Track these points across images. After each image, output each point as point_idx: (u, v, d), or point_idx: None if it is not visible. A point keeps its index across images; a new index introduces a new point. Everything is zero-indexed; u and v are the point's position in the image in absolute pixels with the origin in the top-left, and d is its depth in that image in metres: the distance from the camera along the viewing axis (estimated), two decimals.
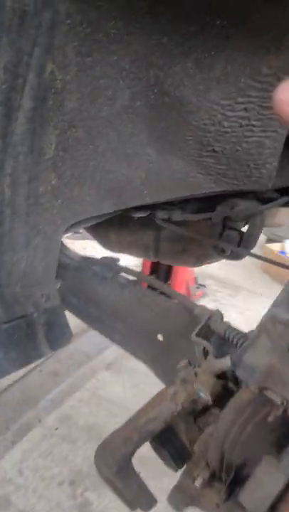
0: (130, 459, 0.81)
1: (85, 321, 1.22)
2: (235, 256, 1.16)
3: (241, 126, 0.90)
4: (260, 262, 5.22)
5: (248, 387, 0.67)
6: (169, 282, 4.54)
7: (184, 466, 0.81)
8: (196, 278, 4.94)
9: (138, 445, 0.81)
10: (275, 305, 0.70)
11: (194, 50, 0.88)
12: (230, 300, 5.00)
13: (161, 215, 1.17)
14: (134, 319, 1.15)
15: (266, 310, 0.70)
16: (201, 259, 1.43)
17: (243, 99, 0.88)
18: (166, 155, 1.02)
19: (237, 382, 0.92)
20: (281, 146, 0.89)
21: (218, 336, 1.00)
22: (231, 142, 0.93)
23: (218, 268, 5.24)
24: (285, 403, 0.60)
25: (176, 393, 0.85)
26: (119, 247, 1.43)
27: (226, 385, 0.89)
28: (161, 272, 4.53)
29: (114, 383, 3.56)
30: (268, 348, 0.61)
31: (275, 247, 6.01)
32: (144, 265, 4.50)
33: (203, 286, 5.05)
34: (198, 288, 4.90)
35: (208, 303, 4.95)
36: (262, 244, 6.03)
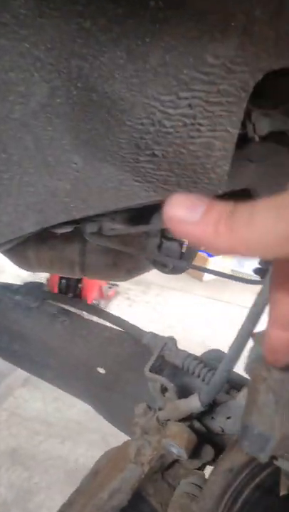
0: None
1: (9, 361, 1.03)
2: (176, 270, 1.04)
3: (186, 125, 0.77)
4: None
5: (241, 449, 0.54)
6: (80, 285, 4.36)
7: None
8: None
9: None
10: (256, 345, 0.58)
11: (124, 36, 0.73)
12: (143, 297, 4.96)
13: (89, 228, 1.01)
14: (69, 353, 0.99)
15: (250, 352, 0.58)
16: (132, 273, 1.29)
17: (187, 93, 0.75)
18: (95, 162, 0.87)
19: (202, 421, 0.80)
20: (233, 146, 0.78)
21: (173, 365, 0.87)
22: (174, 144, 0.80)
23: None
24: None
25: (140, 451, 0.71)
26: (40, 266, 1.24)
27: (193, 427, 0.77)
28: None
29: (33, 399, 3.34)
30: (273, 404, 0.48)
31: None
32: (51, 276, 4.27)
33: (116, 285, 4.94)
34: (110, 288, 4.78)
35: (121, 302, 4.87)
36: None
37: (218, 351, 0.99)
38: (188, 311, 4.80)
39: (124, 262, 1.25)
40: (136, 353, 0.93)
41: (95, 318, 0.95)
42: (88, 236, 1.00)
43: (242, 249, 0.34)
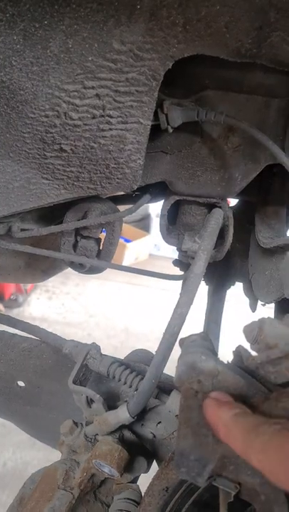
0: None
1: None
2: (94, 269, 0.98)
3: (94, 117, 0.71)
4: None
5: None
6: None
7: None
8: None
9: None
10: (184, 353, 0.55)
11: (20, 18, 0.65)
12: (62, 288, 4.85)
13: None
14: None
15: (178, 362, 0.54)
16: (48, 273, 1.21)
17: (94, 82, 0.69)
18: None
19: (133, 429, 0.77)
20: (146, 139, 0.73)
21: (96, 372, 0.83)
22: (84, 138, 0.73)
23: None
24: (238, 487, 0.46)
25: (69, 474, 0.66)
26: None
27: (123, 437, 0.73)
28: None
29: None
30: (207, 422, 0.45)
31: None
32: None
33: None
34: (38, 283, 4.61)
35: (40, 294, 4.72)
36: None
37: (142, 351, 0.95)
38: (109, 299, 4.76)
39: (40, 263, 1.17)
40: (57, 363, 0.87)
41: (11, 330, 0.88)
42: None
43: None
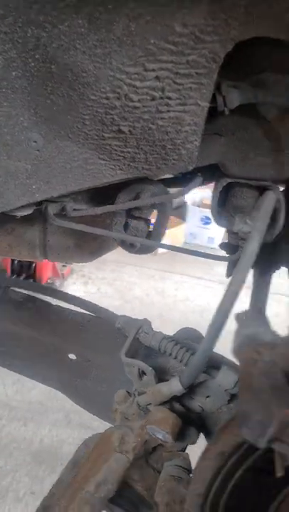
0: None
1: None
2: (144, 249, 1.01)
3: (154, 99, 0.74)
4: None
5: (231, 429, 0.54)
6: (33, 265, 4.26)
7: None
8: None
9: None
10: (241, 326, 0.57)
11: (86, 3, 0.68)
12: (98, 273, 4.92)
13: (52, 209, 0.96)
14: (37, 341, 0.95)
15: (235, 335, 0.57)
16: (96, 254, 1.25)
17: (154, 65, 0.71)
18: (56, 140, 0.81)
19: (182, 402, 0.79)
20: (203, 121, 0.75)
21: (145, 347, 0.86)
22: (142, 120, 0.76)
23: None
24: None
25: (124, 438, 0.69)
26: None
27: (173, 408, 0.76)
28: None
29: None
30: (268, 389, 0.48)
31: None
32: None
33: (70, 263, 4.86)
34: (64, 266, 4.70)
35: (76, 279, 4.81)
36: None
37: (190, 330, 0.98)
38: (144, 285, 4.81)
39: (88, 244, 1.21)
40: (108, 338, 0.90)
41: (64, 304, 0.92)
42: (51, 218, 0.95)
43: None
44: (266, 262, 1.22)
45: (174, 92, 0.73)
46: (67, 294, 0.94)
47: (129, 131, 0.78)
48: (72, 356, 0.96)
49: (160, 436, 0.66)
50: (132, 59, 0.71)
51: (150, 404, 0.74)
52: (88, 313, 0.92)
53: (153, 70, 0.72)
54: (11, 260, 4.18)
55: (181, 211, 5.74)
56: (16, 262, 4.19)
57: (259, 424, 0.45)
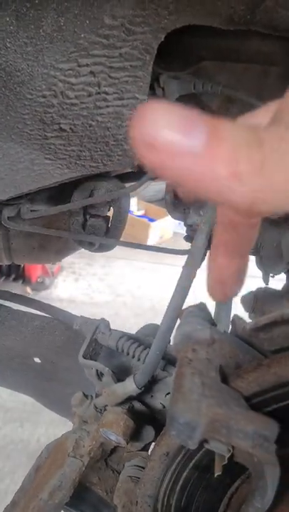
0: None
1: None
2: (104, 247, 1.00)
3: (91, 95, 0.72)
4: None
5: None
6: (22, 265, 4.24)
7: None
8: None
9: None
10: (182, 324, 0.56)
11: None
12: (88, 269, 4.90)
13: (7, 212, 0.95)
14: (1, 346, 0.94)
15: (176, 331, 0.55)
16: (62, 253, 1.24)
17: (88, 60, 0.69)
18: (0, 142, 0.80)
19: (142, 400, 0.79)
20: None
21: (108, 347, 0.85)
22: (82, 116, 0.74)
23: None
24: (231, 449, 0.47)
25: (79, 443, 0.69)
26: None
27: (133, 408, 0.75)
28: None
29: None
30: (199, 388, 0.47)
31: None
32: None
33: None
34: (53, 264, 4.68)
35: (67, 276, 4.79)
36: None
37: (153, 326, 0.97)
38: (135, 278, 4.80)
39: (52, 244, 1.19)
40: (70, 340, 0.89)
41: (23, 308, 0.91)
42: (6, 222, 0.94)
43: (279, 201, 0.23)
44: None
45: (110, 86, 0.71)
46: (22, 296, 0.93)
47: (71, 129, 0.76)
48: (37, 360, 0.95)
49: (113, 438, 0.65)
50: (65, 55, 0.69)
51: (107, 405, 0.73)
52: (47, 315, 0.91)
53: (87, 65, 0.70)
54: None
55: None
56: None
57: (186, 425, 0.44)
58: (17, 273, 4.29)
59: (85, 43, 0.68)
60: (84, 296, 4.66)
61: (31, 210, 0.96)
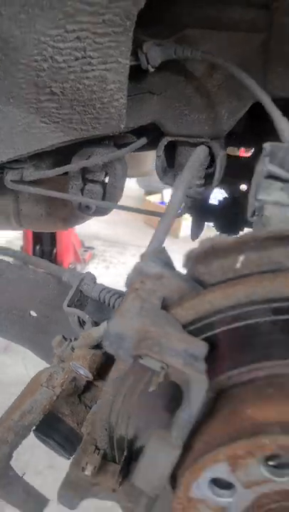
0: (8, 463, 0.71)
1: None
2: (101, 211, 1.06)
3: (77, 59, 0.78)
4: (142, 216, 5.22)
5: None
6: (55, 250, 4.37)
7: None
8: (82, 241, 4.81)
9: (15, 445, 0.70)
10: (140, 260, 0.61)
11: None
12: (119, 258, 4.99)
13: (10, 176, 1.02)
14: (0, 299, 1.01)
15: (130, 271, 0.61)
16: (69, 221, 1.31)
17: (74, 26, 0.75)
18: (0, 105, 0.87)
19: None
20: (126, 78, 0.78)
21: (94, 301, 0.91)
22: (70, 80, 0.80)
23: (103, 228, 5.16)
24: (165, 367, 0.52)
25: (52, 375, 0.75)
26: None
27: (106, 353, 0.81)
28: (44, 239, 4.34)
29: (14, 365, 3.39)
30: (137, 309, 0.52)
31: (155, 198, 6.07)
32: (26, 236, 4.28)
33: (92, 248, 4.95)
34: (85, 251, 4.80)
35: (98, 264, 4.89)
36: (141, 198, 6.06)
37: None
38: None
39: (59, 211, 1.26)
40: (61, 293, 0.95)
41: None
42: (8, 183, 1.01)
43: None
44: (231, 224, 1.25)
45: (94, 51, 0.76)
46: (21, 253, 1.00)
47: (61, 92, 0.82)
48: (33, 313, 1.02)
49: (82, 372, 0.71)
50: (53, 22, 0.75)
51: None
52: (42, 270, 0.98)
53: (73, 31, 0.76)
54: (32, 246, 4.31)
55: None
56: (37, 248, 4.32)
57: (117, 336, 0.49)
58: (49, 259, 4.41)
59: (71, 10, 0.74)
60: (114, 284, 4.72)
61: (31, 174, 1.03)
